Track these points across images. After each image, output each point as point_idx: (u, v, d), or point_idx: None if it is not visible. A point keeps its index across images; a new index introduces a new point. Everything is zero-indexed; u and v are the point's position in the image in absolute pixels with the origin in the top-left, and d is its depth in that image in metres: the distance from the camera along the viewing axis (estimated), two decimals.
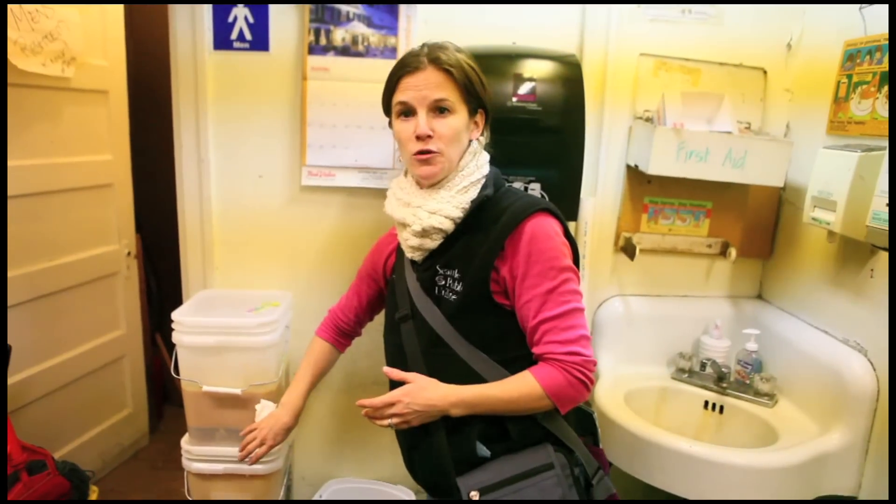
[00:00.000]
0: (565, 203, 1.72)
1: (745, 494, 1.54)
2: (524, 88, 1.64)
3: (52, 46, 2.10)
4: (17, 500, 1.78)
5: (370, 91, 1.81)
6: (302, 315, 1.95)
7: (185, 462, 1.73)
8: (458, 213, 1.21)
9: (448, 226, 1.21)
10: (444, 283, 1.23)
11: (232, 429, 1.70)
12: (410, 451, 1.36)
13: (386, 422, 1.20)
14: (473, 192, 1.23)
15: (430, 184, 1.24)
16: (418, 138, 1.20)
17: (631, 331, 2.01)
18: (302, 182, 1.87)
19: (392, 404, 1.19)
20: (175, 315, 1.64)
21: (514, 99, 1.63)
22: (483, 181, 1.24)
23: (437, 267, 1.25)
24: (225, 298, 1.84)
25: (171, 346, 1.69)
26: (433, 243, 1.24)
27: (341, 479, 2.07)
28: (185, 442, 1.73)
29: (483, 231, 1.21)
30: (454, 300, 1.21)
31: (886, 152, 1.45)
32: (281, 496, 1.80)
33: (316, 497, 1.98)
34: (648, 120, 1.90)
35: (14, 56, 1.95)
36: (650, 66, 1.93)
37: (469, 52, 1.28)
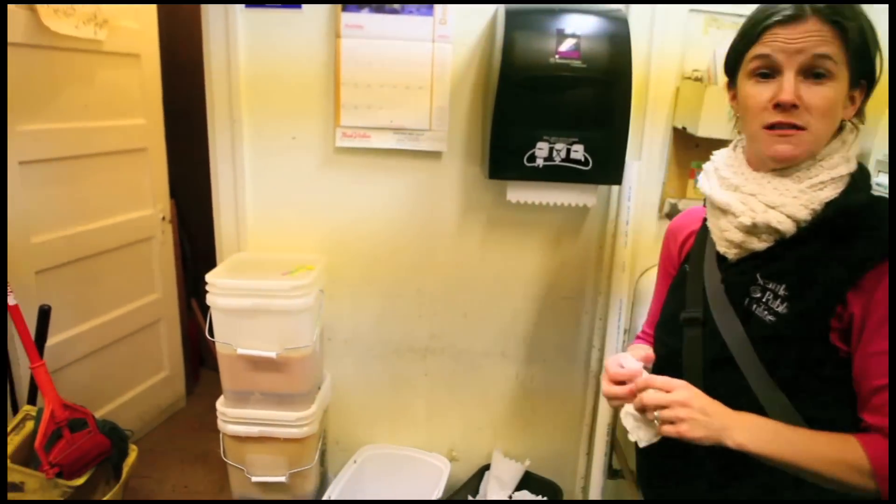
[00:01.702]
0: (610, 167, 1.65)
1: None
2: (567, 45, 1.56)
3: (84, 9, 2.08)
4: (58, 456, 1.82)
5: (406, 49, 1.74)
6: (336, 279, 1.93)
7: (220, 424, 1.74)
8: (805, 215, 0.93)
9: (788, 227, 0.93)
10: (760, 296, 0.96)
11: (267, 392, 1.70)
12: (660, 478, 1.12)
13: (654, 413, 0.91)
14: (831, 192, 0.93)
15: (779, 167, 0.96)
16: (777, 107, 0.92)
17: None
18: (336, 144, 1.83)
19: (670, 391, 0.91)
20: (209, 277, 1.62)
21: (557, 56, 1.56)
22: (848, 180, 0.94)
23: (758, 275, 0.97)
24: (258, 262, 1.83)
25: (206, 311, 1.68)
26: (760, 245, 0.97)
27: (375, 445, 2.07)
28: (220, 404, 1.74)
29: (832, 247, 0.92)
30: (771, 322, 0.94)
31: None
32: (315, 460, 1.80)
33: (350, 462, 1.98)
34: (698, 80, 1.80)
35: (47, 18, 1.93)
36: (700, 22, 1.82)
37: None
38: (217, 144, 1.86)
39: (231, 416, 1.72)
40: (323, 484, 1.99)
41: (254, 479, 1.74)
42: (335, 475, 1.92)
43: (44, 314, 1.95)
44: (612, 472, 2.01)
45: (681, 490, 1.04)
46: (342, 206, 1.89)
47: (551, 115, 1.60)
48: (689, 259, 1.13)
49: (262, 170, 1.88)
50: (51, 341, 2.31)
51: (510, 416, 2.08)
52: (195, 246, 3.27)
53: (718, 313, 1.00)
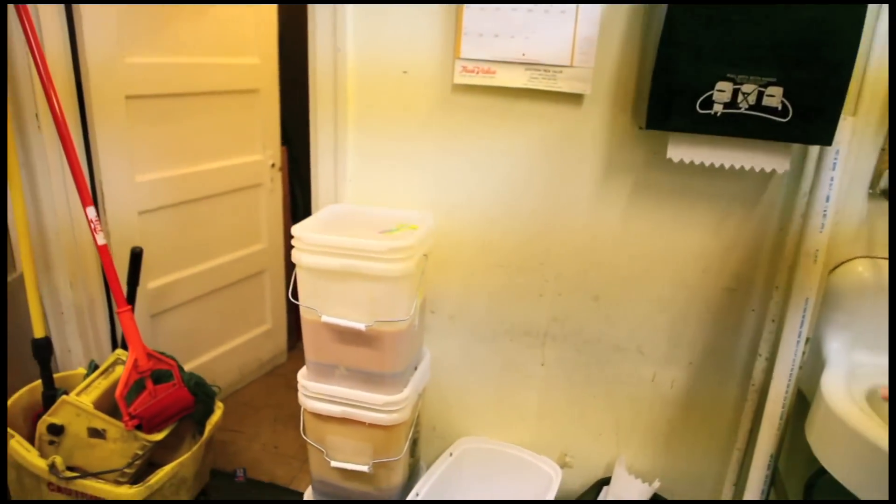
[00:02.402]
0: (818, 120, 1.22)
1: None
2: None
3: None
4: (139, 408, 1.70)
5: None
6: (444, 244, 1.63)
7: (301, 398, 1.53)
8: None
9: None
10: None
11: (354, 368, 1.45)
12: None
13: None
14: None
15: None
16: None
17: (879, 306, 1.46)
18: (454, 80, 1.51)
19: None
20: (296, 230, 1.39)
21: None
22: None
23: None
24: (356, 216, 1.57)
25: None
26: None
27: (476, 438, 1.79)
28: (301, 375, 1.52)
29: None
30: None
31: None
32: (404, 451, 1.54)
33: (446, 454, 1.71)
34: None
35: None
36: None
37: None
38: (318, 77, 1.61)
39: (312, 391, 1.50)
40: (413, 475, 1.74)
41: (333, 463, 1.52)
42: (428, 465, 1.67)
43: (135, 257, 1.83)
44: None
45: None
46: (457, 157, 1.58)
47: (741, 44, 1.18)
48: None
49: (367, 109, 1.60)
50: (150, 285, 2.23)
51: (640, 425, 1.71)
52: (308, 197, 3.12)
53: None
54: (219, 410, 1.96)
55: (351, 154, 1.64)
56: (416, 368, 1.60)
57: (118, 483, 1.73)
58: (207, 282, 2.45)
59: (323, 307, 1.41)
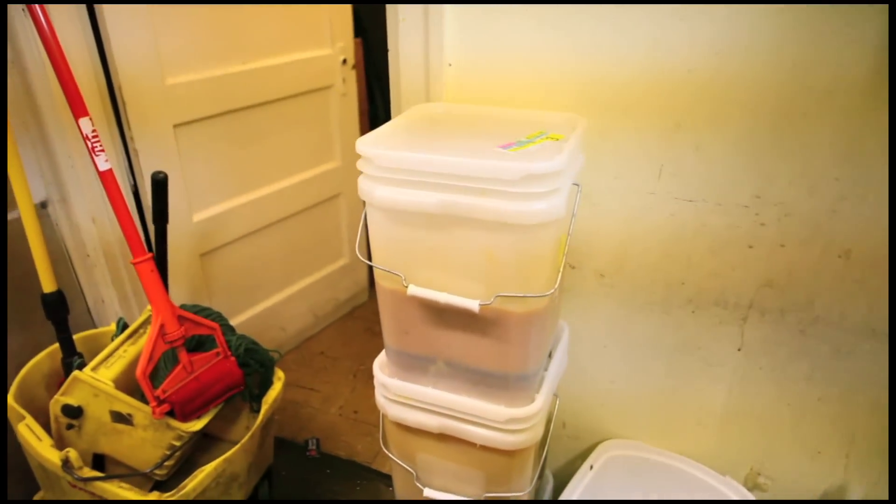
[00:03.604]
0: None
1: None
2: None
3: None
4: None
5: None
6: (599, 163, 1.04)
7: (379, 400, 1.03)
8: None
9: None
10: None
11: (459, 364, 0.93)
12: None
13: None
14: None
15: None
16: None
17: None
18: None
19: None
20: (363, 144, 0.83)
21: None
22: None
23: None
24: (460, 121, 0.99)
25: None
26: None
27: (625, 443, 1.25)
28: (378, 368, 1.01)
29: None
30: None
31: None
32: (533, 480, 1.03)
33: (585, 467, 1.19)
34: None
35: None
36: None
37: None
38: None
39: (395, 392, 0.99)
40: (536, 491, 1.24)
41: (427, 492, 1.03)
42: (554, 473, 1.16)
43: (158, 185, 1.35)
44: None
45: None
46: (618, 33, 0.95)
47: None
48: None
49: None
50: (197, 217, 1.78)
51: (886, 446, 1.11)
52: (388, 100, 2.56)
53: None
54: (279, 383, 1.52)
55: (450, 24, 1.04)
56: (549, 356, 1.06)
57: (151, 481, 1.35)
58: (269, 210, 1.98)
59: (410, 271, 0.87)
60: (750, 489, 1.20)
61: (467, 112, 1.03)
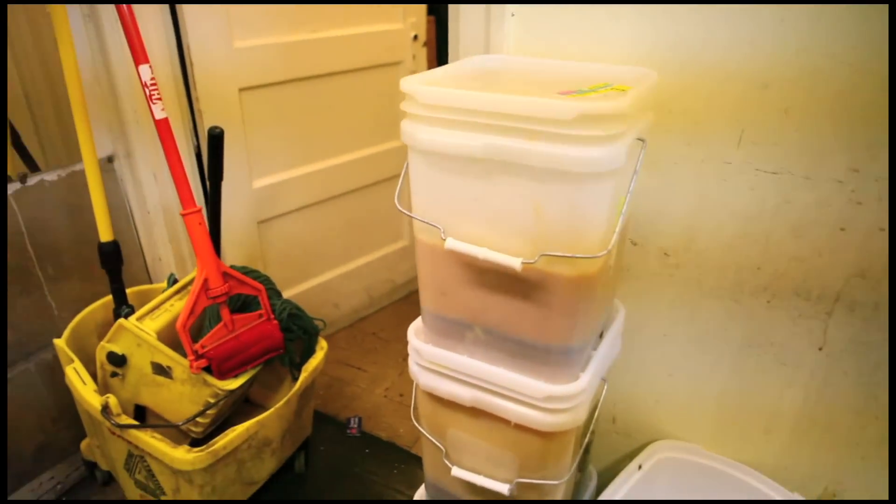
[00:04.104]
0: None
1: None
2: None
3: None
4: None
5: None
6: (669, 126, 0.94)
7: (412, 368, 0.96)
8: None
9: None
10: None
11: (498, 332, 0.85)
12: None
13: None
14: None
15: None
16: None
17: None
18: None
19: None
20: (405, 83, 0.77)
21: None
22: None
23: None
24: (520, 71, 0.92)
25: None
26: None
27: (680, 445, 1.14)
28: (413, 334, 0.95)
29: None
30: None
31: None
32: (572, 468, 0.94)
33: (633, 466, 1.09)
34: None
35: None
36: None
37: None
38: None
39: (429, 359, 0.92)
40: (578, 489, 1.15)
41: (455, 471, 0.96)
42: (599, 472, 1.06)
43: (214, 140, 1.34)
44: None
45: None
46: None
47: None
48: None
49: None
50: (257, 183, 1.79)
51: None
52: None
53: None
54: (321, 353, 1.49)
55: None
56: (601, 337, 0.97)
57: (187, 438, 1.34)
58: (329, 184, 1.97)
59: (450, 225, 0.81)
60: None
61: (528, 63, 0.96)
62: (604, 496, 1.03)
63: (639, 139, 0.79)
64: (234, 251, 1.78)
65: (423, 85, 0.76)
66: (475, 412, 0.92)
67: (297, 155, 1.86)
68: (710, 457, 1.12)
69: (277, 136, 1.78)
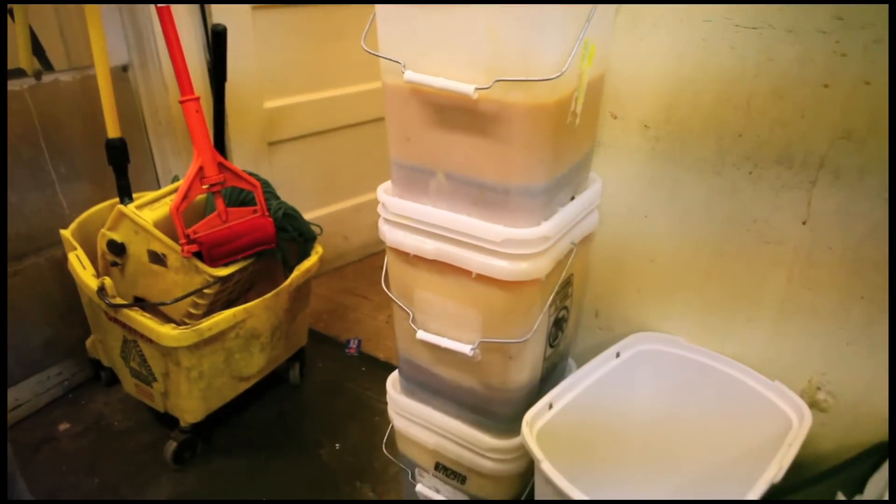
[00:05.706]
0: None
1: None
2: None
3: None
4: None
5: None
6: None
7: (381, 228, 0.97)
8: None
9: None
10: None
11: (459, 176, 0.85)
12: None
13: None
14: None
15: None
16: None
17: None
18: None
19: None
20: None
21: None
22: None
23: None
24: None
25: None
26: None
27: (661, 337, 1.11)
28: (382, 190, 0.96)
29: None
30: None
31: None
32: (536, 326, 0.92)
33: (610, 353, 1.07)
34: None
35: None
36: None
37: None
38: None
39: (393, 211, 0.94)
40: (552, 375, 1.13)
41: (419, 334, 0.95)
42: (580, 365, 1.04)
43: (217, 37, 1.37)
44: None
45: None
46: None
47: None
48: None
49: None
50: (269, 104, 1.82)
51: None
52: None
53: None
54: (315, 256, 1.51)
55: None
56: (572, 199, 0.95)
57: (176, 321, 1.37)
58: (342, 112, 1.99)
59: (410, 57, 0.80)
60: (809, 406, 1.02)
61: None
62: (575, 376, 1.02)
63: None
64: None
65: None
66: (439, 268, 0.91)
67: (310, 79, 1.88)
68: (691, 349, 1.09)
69: (290, 58, 1.81)
